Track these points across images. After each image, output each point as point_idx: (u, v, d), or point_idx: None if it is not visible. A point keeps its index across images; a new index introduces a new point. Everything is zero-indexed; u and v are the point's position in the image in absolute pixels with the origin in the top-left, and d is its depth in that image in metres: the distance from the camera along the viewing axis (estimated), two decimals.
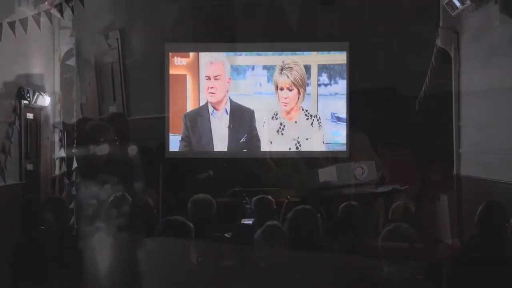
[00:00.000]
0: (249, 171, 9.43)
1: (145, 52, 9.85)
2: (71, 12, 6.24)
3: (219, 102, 9.64)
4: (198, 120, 9.65)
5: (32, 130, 8.16)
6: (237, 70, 9.70)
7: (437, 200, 8.78)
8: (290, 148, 9.60)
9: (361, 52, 9.28)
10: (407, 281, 4.07)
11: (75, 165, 6.84)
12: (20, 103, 7.52)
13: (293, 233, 4.66)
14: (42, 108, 8.37)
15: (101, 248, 4.98)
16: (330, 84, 9.64)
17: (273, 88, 9.59)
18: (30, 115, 8.02)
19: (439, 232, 8.53)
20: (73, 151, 7.09)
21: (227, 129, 9.63)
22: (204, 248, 4.91)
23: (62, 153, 8.01)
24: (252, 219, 6.33)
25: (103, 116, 10.01)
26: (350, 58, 9.53)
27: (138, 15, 9.94)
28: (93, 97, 10.19)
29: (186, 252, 4.70)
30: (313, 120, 9.57)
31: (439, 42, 8.50)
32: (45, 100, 8.30)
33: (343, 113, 9.57)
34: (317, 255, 4.57)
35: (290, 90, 9.52)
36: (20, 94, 7.50)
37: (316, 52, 9.71)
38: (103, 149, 8.17)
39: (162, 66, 9.72)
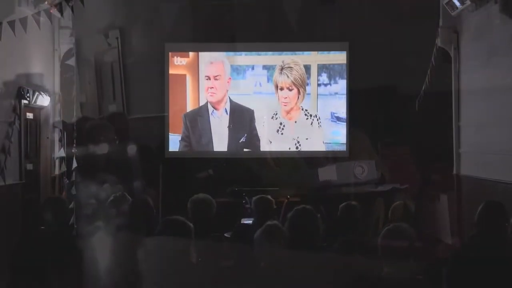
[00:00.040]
0: (249, 171, 9.44)
1: (145, 52, 9.85)
2: (71, 12, 6.23)
3: (219, 102, 9.64)
4: (198, 120, 9.65)
5: (32, 130, 8.16)
6: (237, 70, 9.70)
7: (437, 200, 8.78)
8: (290, 148, 9.60)
9: (361, 52, 9.28)
10: (407, 281, 4.07)
11: (75, 164, 6.83)
12: (20, 103, 7.51)
13: (293, 233, 4.66)
14: (42, 108, 8.37)
15: (101, 247, 4.98)
16: (330, 84, 9.65)
17: (273, 88, 9.59)
18: (30, 115, 8.02)
19: (439, 232, 8.54)
20: (73, 150, 7.08)
21: (227, 129, 9.63)
22: (204, 248, 4.90)
23: (62, 152, 7.99)
24: (252, 219, 6.33)
25: (103, 115, 10.01)
26: (350, 58, 9.54)
27: (138, 15, 9.93)
28: (93, 97, 10.19)
29: (186, 252, 4.70)
30: (313, 119, 9.57)
31: (439, 42, 8.50)
32: (45, 100, 8.30)
33: (343, 113, 9.57)
34: (317, 255, 4.57)
35: (290, 90, 9.52)
36: (20, 94, 7.50)
37: (316, 52, 9.71)
38: (103, 148, 8.18)
39: (162, 66, 9.72)
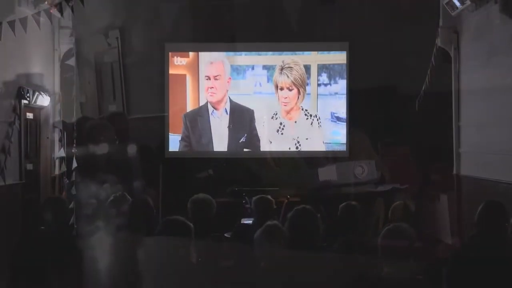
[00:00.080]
0: (249, 171, 9.44)
1: (145, 52, 9.85)
2: (71, 12, 6.22)
3: (219, 102, 9.64)
4: (198, 120, 9.65)
5: (32, 130, 8.16)
6: (237, 70, 9.70)
7: (437, 200, 8.78)
8: (290, 148, 9.60)
9: (361, 52, 9.28)
10: (407, 281, 4.07)
11: (75, 164, 6.83)
12: (20, 103, 7.51)
13: (293, 233, 4.66)
14: (42, 108, 8.37)
15: (101, 248, 4.98)
16: (330, 84, 9.65)
17: (273, 88, 9.59)
18: (30, 115, 8.01)
19: (439, 232, 8.54)
20: (73, 150, 7.08)
21: (227, 129, 9.63)
22: (204, 248, 4.90)
23: (62, 152, 7.99)
24: (252, 219, 6.33)
25: (103, 115, 10.01)
26: (350, 58, 9.54)
27: (138, 15, 9.93)
28: (93, 96, 10.19)
29: (186, 252, 4.70)
30: (313, 119, 9.57)
31: (439, 42, 8.50)
32: (44, 100, 8.29)
33: (342, 113, 9.57)
34: (317, 255, 4.57)
35: (290, 90, 9.52)
36: (20, 94, 7.49)
37: (316, 52, 9.71)
38: (102, 148, 8.18)
39: (162, 66, 9.72)
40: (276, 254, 4.44)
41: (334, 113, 9.62)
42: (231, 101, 9.62)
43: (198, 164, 9.67)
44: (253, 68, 9.70)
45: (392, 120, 9.22)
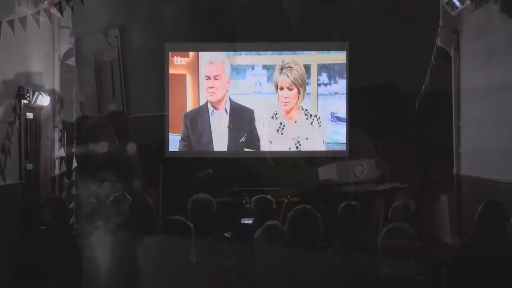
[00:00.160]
0: (249, 171, 9.44)
1: (145, 51, 9.85)
2: (71, 12, 6.22)
3: (219, 102, 9.64)
4: (198, 119, 9.65)
5: (32, 130, 8.15)
6: (237, 70, 9.70)
7: (437, 200, 8.79)
8: (290, 148, 9.60)
9: (361, 52, 9.28)
10: (407, 281, 4.07)
11: (75, 164, 6.83)
12: (20, 102, 7.50)
13: (293, 233, 4.66)
14: (42, 107, 8.37)
15: (101, 248, 4.97)
16: (330, 83, 9.65)
17: (273, 87, 9.60)
18: (30, 115, 8.01)
19: (439, 231, 8.54)
20: (73, 150, 7.08)
21: (227, 128, 9.63)
22: (204, 248, 4.90)
23: (62, 152, 7.99)
24: (252, 219, 6.33)
25: (103, 114, 10.01)
26: (350, 58, 9.54)
27: (138, 14, 9.93)
28: (93, 95, 10.19)
29: (186, 252, 4.70)
30: (313, 119, 9.57)
31: (439, 42, 8.50)
32: (44, 100, 8.29)
33: (343, 113, 9.58)
34: (317, 255, 4.57)
35: (290, 90, 9.52)
36: (20, 93, 7.49)
37: (316, 52, 9.71)
38: (102, 147, 8.18)
39: (162, 64, 9.72)
40: (276, 254, 4.43)
41: (334, 113, 9.63)
42: (231, 101, 9.62)
43: (198, 164, 9.67)
44: (253, 68, 9.70)
45: (392, 120, 9.22)
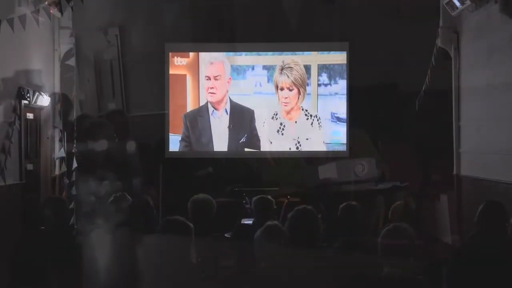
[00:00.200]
0: (249, 171, 9.44)
1: (144, 49, 9.86)
2: (71, 12, 6.22)
3: (219, 102, 9.64)
4: (198, 120, 9.65)
5: (32, 130, 8.15)
6: (237, 70, 9.70)
7: (437, 200, 8.79)
8: (290, 148, 9.61)
9: (361, 52, 9.28)
10: (407, 281, 4.07)
11: (75, 165, 6.83)
12: (20, 103, 7.50)
13: (293, 233, 4.66)
14: (42, 108, 8.37)
15: (101, 248, 4.97)
16: (330, 84, 9.65)
17: (273, 88, 9.59)
18: (30, 115, 8.01)
19: (439, 231, 8.54)
20: (73, 150, 7.08)
21: (227, 129, 9.63)
22: (204, 248, 4.90)
23: (62, 153, 8.00)
24: (252, 219, 6.33)
25: (102, 113, 10.01)
26: (350, 58, 9.54)
27: (138, 14, 9.93)
28: (92, 94, 10.19)
29: (186, 252, 4.70)
30: (313, 120, 9.57)
31: (439, 42, 8.50)
32: (44, 100, 8.29)
33: (343, 113, 9.58)
34: (317, 255, 4.57)
35: (290, 90, 9.52)
36: (20, 94, 7.49)
37: (316, 52, 9.71)
38: (101, 146, 8.18)
39: (161, 63, 9.72)
40: (276, 254, 4.43)
41: (334, 113, 9.62)
42: (231, 101, 9.62)
43: (198, 164, 9.67)
44: (253, 68, 9.70)
45: (392, 120, 9.22)
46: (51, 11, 6.48)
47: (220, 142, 9.65)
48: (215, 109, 9.64)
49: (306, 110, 9.57)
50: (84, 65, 9.75)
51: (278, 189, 8.54)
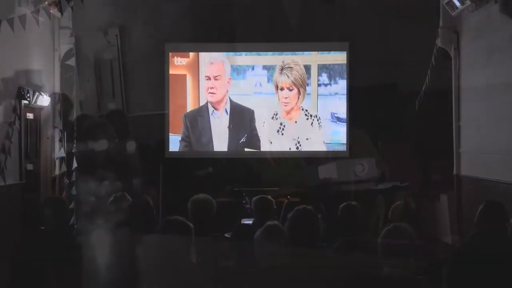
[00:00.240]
0: (249, 171, 9.44)
1: (144, 49, 9.86)
2: (71, 12, 6.22)
3: (219, 102, 9.64)
4: (198, 120, 9.65)
5: (32, 130, 8.15)
6: (237, 70, 9.70)
7: (437, 200, 8.79)
8: (290, 148, 9.61)
9: (361, 52, 9.28)
10: (407, 281, 4.07)
11: (75, 165, 6.83)
12: (20, 103, 7.50)
13: (293, 233, 4.66)
14: (42, 108, 8.37)
15: (101, 248, 4.97)
16: (330, 84, 9.65)
17: (273, 88, 9.60)
18: (30, 115, 8.01)
19: (439, 231, 8.54)
20: (73, 150, 7.08)
21: (227, 129, 9.63)
22: (204, 248, 4.90)
23: (62, 153, 8.00)
24: (252, 219, 6.33)
25: (102, 113, 10.01)
26: (350, 58, 9.54)
27: (138, 14, 9.93)
28: (92, 94, 10.19)
29: (186, 252, 4.70)
30: (313, 120, 9.57)
31: (439, 42, 8.50)
32: (44, 100, 8.29)
33: (343, 113, 9.58)
34: (317, 255, 4.57)
35: (290, 90, 9.52)
36: (20, 94, 7.49)
37: (316, 52, 9.71)
38: (101, 146, 8.18)
39: (161, 63, 9.73)
40: (276, 255, 4.43)
41: (334, 113, 9.63)
42: (231, 101, 9.62)
43: (198, 164, 9.68)
44: (253, 68, 9.71)
45: (392, 120, 9.23)
46: (51, 11, 6.48)
47: (220, 142, 9.65)
48: (215, 109, 9.64)
49: (306, 110, 9.57)
50: (84, 65, 9.75)
51: (278, 189, 8.54)
